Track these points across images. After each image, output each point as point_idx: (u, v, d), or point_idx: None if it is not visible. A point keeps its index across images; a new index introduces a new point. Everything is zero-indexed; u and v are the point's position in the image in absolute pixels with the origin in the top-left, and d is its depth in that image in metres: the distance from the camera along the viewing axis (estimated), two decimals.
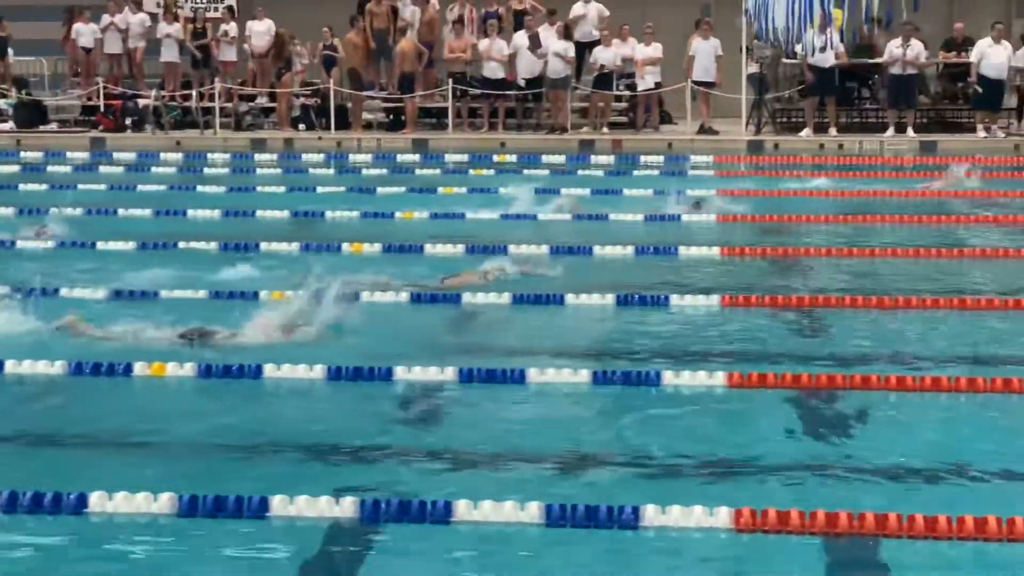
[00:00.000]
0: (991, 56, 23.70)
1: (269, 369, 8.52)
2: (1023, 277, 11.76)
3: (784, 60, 25.59)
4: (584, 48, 25.47)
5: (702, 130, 24.87)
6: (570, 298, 10.70)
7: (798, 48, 24.01)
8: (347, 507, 6.10)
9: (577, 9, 26.02)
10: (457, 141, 24.21)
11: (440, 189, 18.05)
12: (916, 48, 24.09)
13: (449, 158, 21.87)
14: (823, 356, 9.07)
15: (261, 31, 25.95)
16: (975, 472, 6.73)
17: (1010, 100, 24.84)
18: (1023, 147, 23.44)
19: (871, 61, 24.89)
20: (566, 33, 24.99)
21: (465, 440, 7.39)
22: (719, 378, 8.30)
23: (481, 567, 5.73)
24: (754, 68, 24.82)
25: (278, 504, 6.11)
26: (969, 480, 6.66)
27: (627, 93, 25.71)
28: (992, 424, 7.64)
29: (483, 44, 25.17)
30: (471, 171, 20.58)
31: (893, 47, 24.02)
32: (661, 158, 22.14)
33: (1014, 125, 24.87)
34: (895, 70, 24.12)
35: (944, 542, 5.77)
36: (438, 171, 20.56)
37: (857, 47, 25.04)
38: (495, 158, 21.84)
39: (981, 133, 23.98)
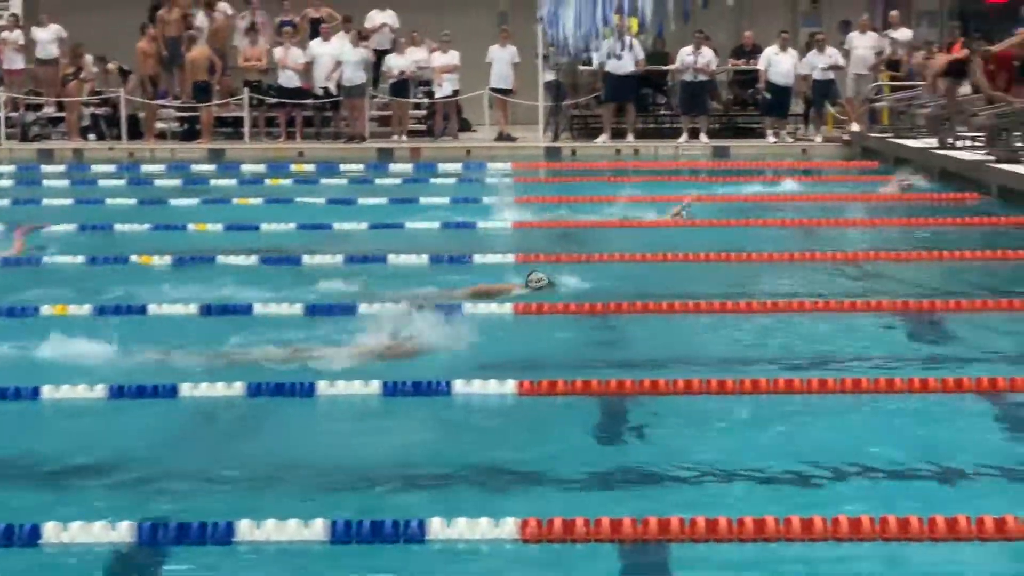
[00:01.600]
0: (778, 64, 24.34)
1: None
2: (812, 279, 12.02)
3: (581, 67, 25.89)
4: (380, 56, 25.37)
5: (500, 137, 25.00)
6: (363, 307, 10.59)
7: (593, 55, 24.30)
8: (124, 531, 5.88)
9: (373, 17, 25.92)
10: (254, 151, 23.88)
11: (235, 200, 17.75)
12: (707, 56, 24.61)
13: (245, 168, 21.53)
14: (615, 362, 9.12)
15: (46, 39, 25.21)
16: (763, 474, 6.82)
17: (797, 106, 25.56)
18: (811, 151, 24.12)
19: (665, 68, 25.33)
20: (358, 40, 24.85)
21: (250, 456, 7.21)
22: (510, 386, 8.28)
23: None
24: (551, 75, 25.03)
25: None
26: (756, 483, 6.74)
27: (425, 101, 25.69)
28: (790, 426, 7.76)
29: (278, 52, 24.88)
30: (267, 181, 20.30)
31: (684, 54, 24.50)
32: (459, 165, 22.18)
33: (801, 130, 25.59)
34: (687, 77, 24.61)
35: (726, 544, 5.83)
36: (234, 181, 20.22)
37: (651, 54, 25.44)
38: (292, 168, 21.59)
39: (771, 138, 24.60)
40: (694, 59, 24.51)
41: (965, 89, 22.66)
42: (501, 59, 25.18)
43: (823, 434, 7.59)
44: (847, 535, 5.83)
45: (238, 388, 8.25)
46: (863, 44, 24.90)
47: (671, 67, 25.41)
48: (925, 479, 6.80)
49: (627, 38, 23.82)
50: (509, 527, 5.90)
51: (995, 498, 6.41)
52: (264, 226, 15.23)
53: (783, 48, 24.51)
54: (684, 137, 24.76)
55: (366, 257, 13.05)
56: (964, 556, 5.75)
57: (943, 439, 7.46)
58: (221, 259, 12.92)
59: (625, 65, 24.21)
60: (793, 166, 21.96)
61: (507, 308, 10.63)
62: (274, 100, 24.93)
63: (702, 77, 24.78)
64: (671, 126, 26.15)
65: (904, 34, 25.69)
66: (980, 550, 5.77)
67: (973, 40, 21.84)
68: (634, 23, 23.93)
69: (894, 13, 26.23)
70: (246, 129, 25.04)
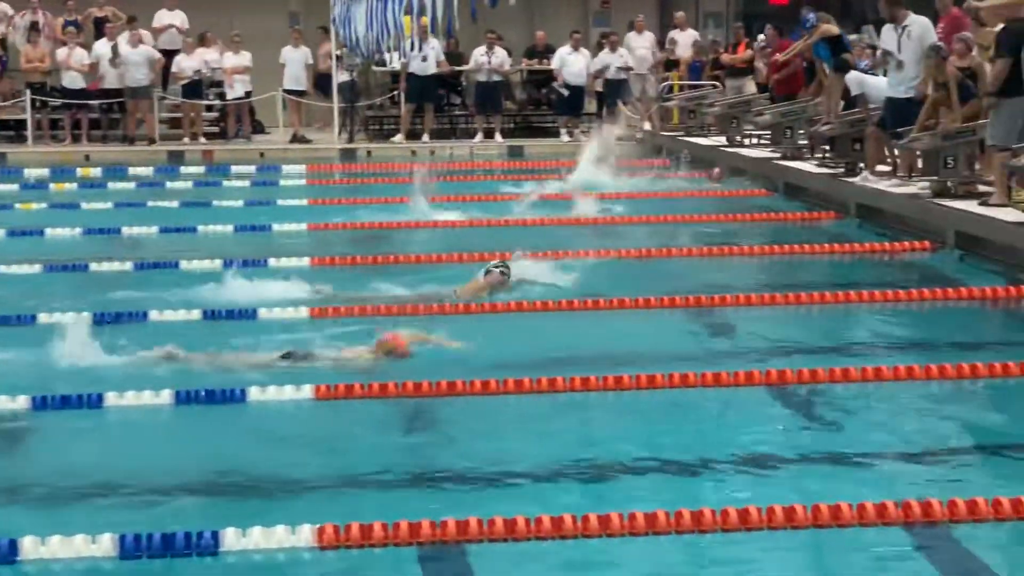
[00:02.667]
0: (570, 63, 24.60)
1: None
2: (601, 277, 12.11)
3: (375, 68, 25.79)
4: (169, 56, 24.86)
5: (295, 139, 24.75)
6: (153, 314, 10.34)
7: (387, 57, 24.21)
8: None
9: (161, 17, 25.40)
10: (37, 155, 23.15)
11: (18, 205, 17.19)
12: (500, 56, 24.75)
13: (29, 173, 20.84)
14: (414, 365, 9.06)
15: None
16: (559, 473, 6.86)
17: (590, 105, 25.88)
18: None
19: (460, 69, 25.38)
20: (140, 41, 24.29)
21: (36, 470, 6.97)
22: (307, 391, 8.17)
23: None
24: (345, 76, 24.87)
25: None
26: (552, 481, 6.77)
27: (217, 103, 25.27)
28: (581, 423, 7.83)
29: (61, 53, 24.16)
30: (52, 186, 19.69)
31: (478, 55, 24.59)
32: (253, 168, 21.87)
33: (595, 129, 25.89)
34: (481, 77, 24.70)
35: (524, 543, 5.84)
36: (16, 186, 19.55)
37: (445, 55, 25.46)
38: (79, 172, 20.99)
39: (565, 137, 24.84)
40: (488, 59, 24.63)
41: (751, 88, 23.28)
42: (294, 60, 24.93)
43: (615, 430, 7.68)
44: (643, 530, 5.89)
45: (22, 402, 7.96)
46: (640, 44, 25.39)
47: (465, 67, 25.49)
48: (722, 472, 6.92)
49: (430, 39, 23.83)
50: (305, 534, 5.82)
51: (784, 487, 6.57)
52: (49, 232, 14.76)
53: (575, 48, 24.78)
54: (479, 137, 24.86)
55: (157, 263, 12.75)
56: (755, 547, 5.88)
57: (737, 432, 7.61)
58: (2, 268, 12.46)
59: (428, 66, 24.19)
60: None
61: (303, 313, 10.49)
62: (58, 102, 24.20)
63: (496, 77, 24.92)
64: (466, 126, 26.22)
65: (689, 35, 26.23)
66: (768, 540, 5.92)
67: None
68: (424, 23, 23.97)
69: (680, 14, 26.77)
70: (29, 132, 24.26)
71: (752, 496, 6.28)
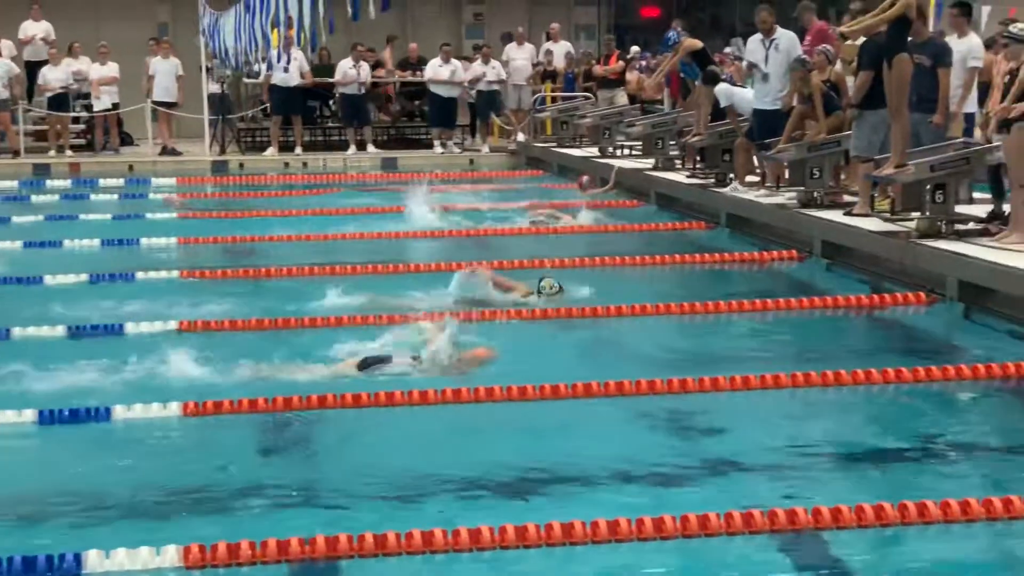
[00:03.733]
0: (441, 75, 24.61)
1: None
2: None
3: (245, 80, 25.57)
4: (35, 68, 24.41)
5: (164, 151, 24.43)
6: (16, 331, 10.12)
7: (256, 68, 24.03)
8: None
9: (27, 28, 24.94)
10: None
11: None
12: (366, 69, 24.66)
13: None
14: (281, 378, 8.98)
15: None
16: (440, 487, 6.84)
17: (464, 117, 25.93)
18: (478, 161, 24.49)
19: (331, 81, 25.26)
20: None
21: None
22: (173, 408, 8.05)
23: None
24: (215, 88, 24.61)
25: None
26: (429, 496, 6.74)
27: (84, 114, 24.86)
28: (460, 435, 7.81)
29: None
30: None
31: (346, 67, 24.48)
32: (122, 181, 21.56)
33: (468, 141, 25.96)
34: (349, 90, 24.59)
35: (394, 558, 5.82)
36: None
37: (317, 67, 25.34)
38: None
39: (438, 149, 24.85)
40: (356, 72, 24.53)
41: (622, 99, 23.51)
42: (163, 71, 24.59)
43: (482, 443, 7.68)
44: (513, 543, 5.90)
45: None
46: (520, 56, 25.51)
47: (332, 80, 25.37)
48: (593, 483, 6.96)
49: (293, 51, 23.63)
50: (171, 555, 5.73)
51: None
52: None
53: (446, 60, 24.80)
54: (352, 149, 24.75)
55: (20, 278, 12.48)
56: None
57: (605, 442, 7.66)
58: None
59: (291, 77, 24.02)
60: (463, 176, 22.33)
61: (172, 327, 10.34)
62: None
63: (364, 89, 24.81)
64: (339, 138, 26.12)
65: (563, 46, 26.42)
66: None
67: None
68: (291, 35, 23.80)
69: (555, 26, 26.95)
70: None
71: (620, 507, 6.31)
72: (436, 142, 25.11)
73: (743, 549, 5.98)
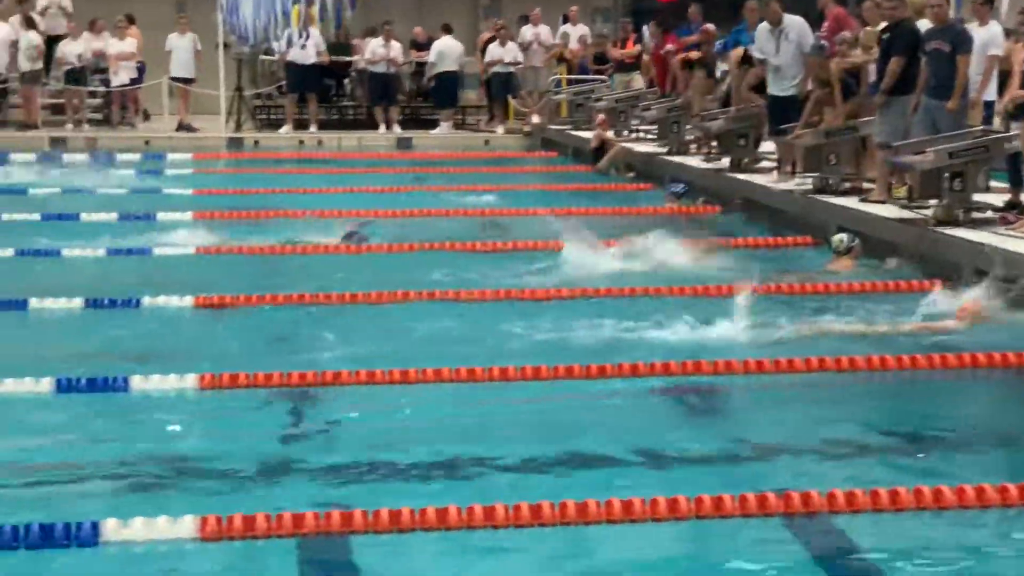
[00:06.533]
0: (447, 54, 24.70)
1: None
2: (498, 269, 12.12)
3: (263, 57, 25.59)
4: (54, 41, 24.43)
5: (181, 127, 24.45)
6: (34, 302, 10.17)
7: (274, 45, 24.06)
8: None
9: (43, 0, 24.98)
10: None
11: None
12: (396, 48, 24.69)
13: None
14: (298, 354, 9.02)
15: None
16: (447, 465, 6.86)
17: (480, 99, 25.96)
18: (493, 142, 24.48)
19: (351, 59, 25.27)
20: (30, 24, 23.86)
21: None
22: (190, 380, 8.09)
23: None
24: (233, 64, 24.64)
25: None
26: (442, 474, 6.77)
27: (102, 89, 24.89)
28: (476, 414, 7.83)
29: None
30: None
31: (376, 46, 24.48)
32: (138, 156, 21.59)
33: (483, 121, 25.99)
34: (378, 69, 24.59)
35: (408, 535, 5.85)
36: None
37: (334, 45, 25.35)
38: None
39: (443, 127, 24.88)
40: (386, 51, 24.54)
41: (638, 83, 23.47)
42: (181, 47, 24.60)
43: (495, 422, 7.70)
44: (527, 522, 5.92)
45: None
46: (534, 37, 25.50)
47: (356, 57, 25.37)
48: (605, 465, 6.98)
49: (309, 28, 23.68)
50: (187, 525, 5.76)
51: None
52: None
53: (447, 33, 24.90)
54: (383, 128, 24.77)
55: (38, 250, 12.53)
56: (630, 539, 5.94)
57: (623, 423, 7.69)
58: None
59: (308, 55, 24.04)
60: (477, 157, 22.33)
61: (187, 302, 10.38)
62: None
63: (393, 69, 24.85)
64: (354, 117, 26.12)
65: (580, 29, 26.39)
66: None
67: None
68: (313, 13, 23.82)
69: (573, 9, 26.90)
70: None
71: (635, 488, 6.33)
72: (443, 122, 25.14)
73: (757, 532, 6.01)
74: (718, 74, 19.02)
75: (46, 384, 7.94)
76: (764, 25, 15.59)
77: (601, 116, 20.43)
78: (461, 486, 6.54)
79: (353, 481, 6.62)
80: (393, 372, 8.26)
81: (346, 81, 26.37)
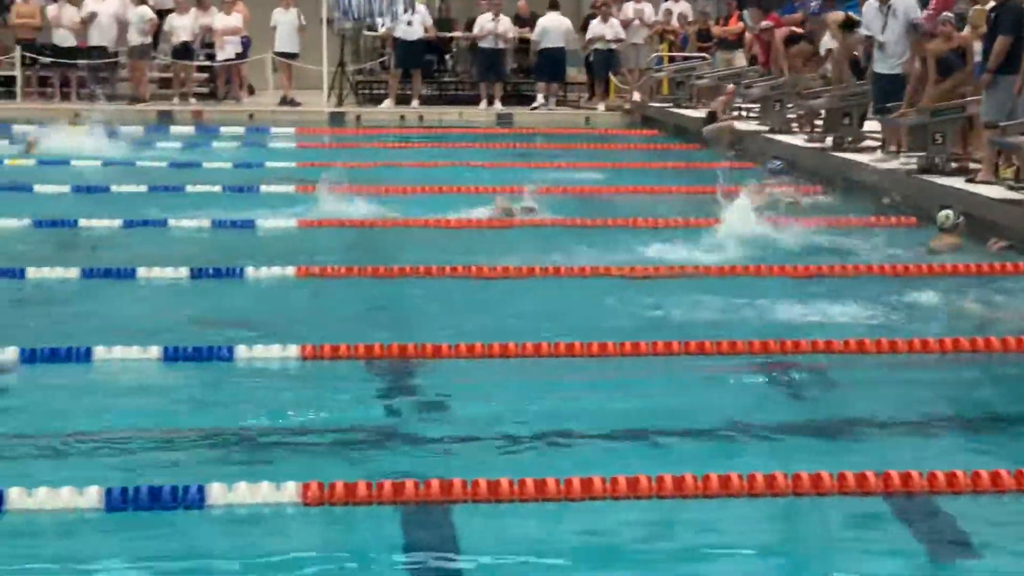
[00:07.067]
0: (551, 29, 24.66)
1: None
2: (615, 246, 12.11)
3: (365, 32, 25.76)
4: (162, 16, 24.81)
5: (284, 101, 24.70)
6: (142, 272, 10.37)
7: (378, 21, 24.21)
8: None
9: None
10: (27, 111, 23.08)
11: (7, 161, 17.18)
12: (505, 23, 24.73)
13: (18, 129, 20.77)
14: (398, 326, 9.12)
15: None
16: (544, 437, 6.90)
17: (580, 75, 25.91)
18: (593, 119, 24.44)
19: (462, 35, 25.36)
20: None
21: (22, 425, 6.99)
22: (292, 350, 8.21)
23: (37, 558, 5.41)
24: (336, 40, 24.84)
25: None
26: (538, 445, 6.81)
27: (208, 63, 25.23)
28: (567, 390, 7.85)
29: (52, 10, 24.09)
30: (44, 142, 19.61)
31: (485, 21, 24.54)
32: (242, 129, 21.86)
33: (584, 99, 25.96)
34: (486, 44, 24.65)
35: (507, 504, 5.90)
36: (5, 142, 19.51)
37: (436, 21, 25.46)
38: (67, 129, 20.89)
39: (540, 100, 24.87)
40: (495, 26, 24.59)
41: (741, 60, 23.30)
42: (285, 23, 24.85)
43: (598, 396, 7.72)
44: (624, 494, 5.95)
45: (10, 354, 7.98)
46: (636, 14, 25.39)
47: (463, 34, 25.44)
48: (703, 439, 6.98)
49: (417, 5, 23.83)
50: (290, 491, 5.86)
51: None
52: (38, 188, 14.79)
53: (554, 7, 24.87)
54: (484, 104, 24.85)
55: (146, 221, 12.76)
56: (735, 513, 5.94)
57: (719, 401, 7.68)
58: None
59: (414, 31, 24.18)
60: (577, 132, 22.33)
61: (289, 272, 10.53)
62: (48, 60, 24.14)
63: (501, 44, 24.89)
64: (455, 92, 26.22)
65: (682, 6, 26.24)
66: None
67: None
68: None
69: None
70: (19, 89, 24.21)
71: (733, 463, 6.34)
72: (540, 95, 25.10)
73: (855, 510, 5.99)
74: (822, 51, 18.81)
75: (154, 352, 8.11)
76: (872, 1, 15.41)
77: (731, 86, 20.29)
78: (559, 458, 6.60)
79: (452, 452, 6.69)
80: (493, 346, 8.32)
81: (447, 57, 26.46)
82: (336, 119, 24.09)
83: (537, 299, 10.02)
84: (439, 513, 5.87)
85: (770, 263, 11.10)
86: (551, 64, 24.97)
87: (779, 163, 16.31)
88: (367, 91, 26.09)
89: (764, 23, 20.56)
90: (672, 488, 6.00)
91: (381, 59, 25.57)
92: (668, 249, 11.58)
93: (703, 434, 7.01)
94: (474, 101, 25.07)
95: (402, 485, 5.94)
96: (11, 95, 24.48)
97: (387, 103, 24.82)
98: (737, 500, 6.00)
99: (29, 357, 7.99)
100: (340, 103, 24.76)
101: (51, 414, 7.19)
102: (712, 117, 19.78)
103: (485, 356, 8.27)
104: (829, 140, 16.79)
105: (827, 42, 18.41)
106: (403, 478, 6.00)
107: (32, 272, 10.29)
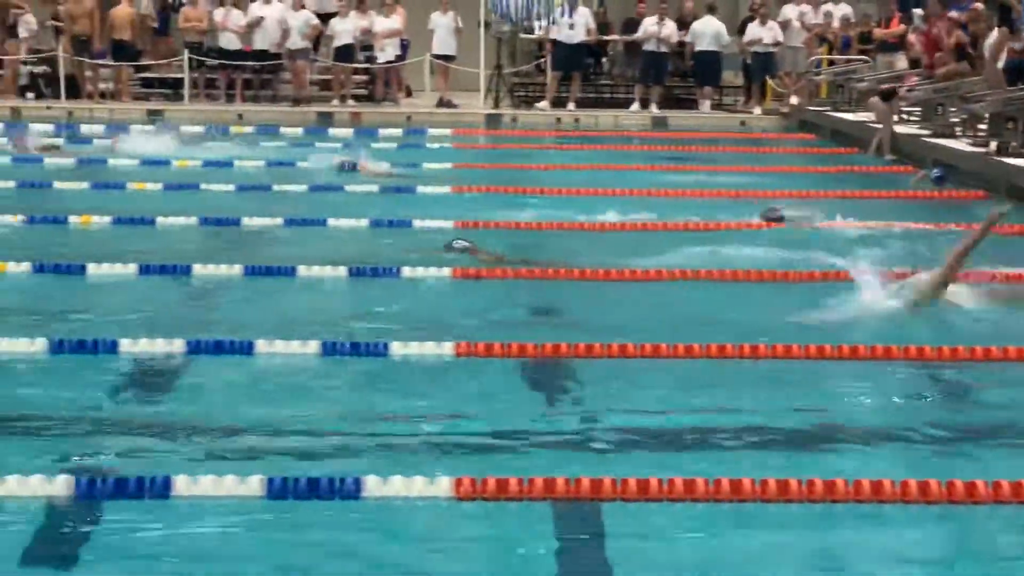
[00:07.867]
0: (704, 31, 24.57)
1: None
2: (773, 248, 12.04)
3: (522, 35, 25.95)
4: (324, 19, 25.29)
5: (441, 103, 25.00)
6: (302, 270, 10.63)
7: (536, 24, 24.37)
8: (61, 486, 5.91)
9: None
10: (193, 112, 23.74)
11: (174, 162, 17.70)
12: (670, 27, 24.70)
13: (185, 130, 21.37)
14: (551, 326, 9.22)
15: None
16: (698, 436, 6.96)
17: (737, 78, 25.74)
18: (749, 123, 24.28)
19: (623, 37, 25.40)
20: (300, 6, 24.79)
21: (190, 413, 7.24)
22: (447, 348, 8.36)
23: (201, 542, 5.62)
24: (492, 43, 25.07)
25: None
26: (689, 444, 6.86)
27: (367, 65, 25.65)
28: (724, 390, 7.86)
29: (218, 14, 24.73)
30: (207, 143, 20.18)
31: (649, 24, 24.56)
32: (400, 131, 22.18)
33: (740, 102, 25.79)
34: (649, 47, 24.65)
35: (656, 504, 5.95)
36: (171, 140, 20.06)
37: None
38: (231, 130, 21.48)
39: (706, 105, 24.78)
40: (658, 29, 24.60)
41: (902, 63, 22.94)
42: (442, 25, 25.16)
43: (745, 399, 7.71)
44: (774, 497, 5.96)
45: (178, 346, 8.27)
46: (797, 17, 25.16)
47: (625, 36, 25.47)
48: (843, 444, 6.95)
49: (579, 8, 23.96)
50: (444, 485, 5.99)
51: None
52: (203, 187, 15.23)
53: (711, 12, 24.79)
54: (636, 106, 24.86)
55: (306, 220, 13.06)
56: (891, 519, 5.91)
57: (856, 405, 7.63)
58: (160, 220, 12.90)
59: (576, 34, 24.29)
60: (732, 136, 22.21)
61: (445, 272, 10.69)
62: (214, 62, 24.80)
63: (664, 48, 24.88)
64: (611, 95, 26.26)
65: (843, 9, 25.92)
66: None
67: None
68: None
69: None
70: (186, 91, 24.92)
71: (881, 470, 6.30)
72: (701, 101, 25.04)
73: (1010, 519, 5.91)
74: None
75: (313, 347, 8.32)
76: None
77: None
78: (709, 459, 6.62)
79: (603, 450, 6.76)
80: (644, 346, 8.38)
81: (603, 60, 26.51)
82: (492, 121, 24.31)
83: (690, 301, 10.03)
84: (589, 510, 5.94)
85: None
86: (705, 67, 24.89)
87: (939, 170, 16.03)
88: (523, 93, 26.27)
89: (938, 25, 20.15)
90: (822, 492, 5.99)
91: (537, 61, 25.71)
92: (815, 252, 11.48)
93: (854, 439, 6.97)
94: (627, 104, 25.08)
95: (553, 482, 6.02)
96: (179, 97, 25.19)
97: (543, 104, 24.97)
98: (890, 506, 5.96)
99: (195, 348, 8.26)
100: (496, 105, 24.98)
101: (214, 404, 7.43)
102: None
103: (637, 356, 8.33)
104: (993, 145, 16.46)
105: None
106: (554, 475, 6.09)
107: (198, 268, 10.62)
